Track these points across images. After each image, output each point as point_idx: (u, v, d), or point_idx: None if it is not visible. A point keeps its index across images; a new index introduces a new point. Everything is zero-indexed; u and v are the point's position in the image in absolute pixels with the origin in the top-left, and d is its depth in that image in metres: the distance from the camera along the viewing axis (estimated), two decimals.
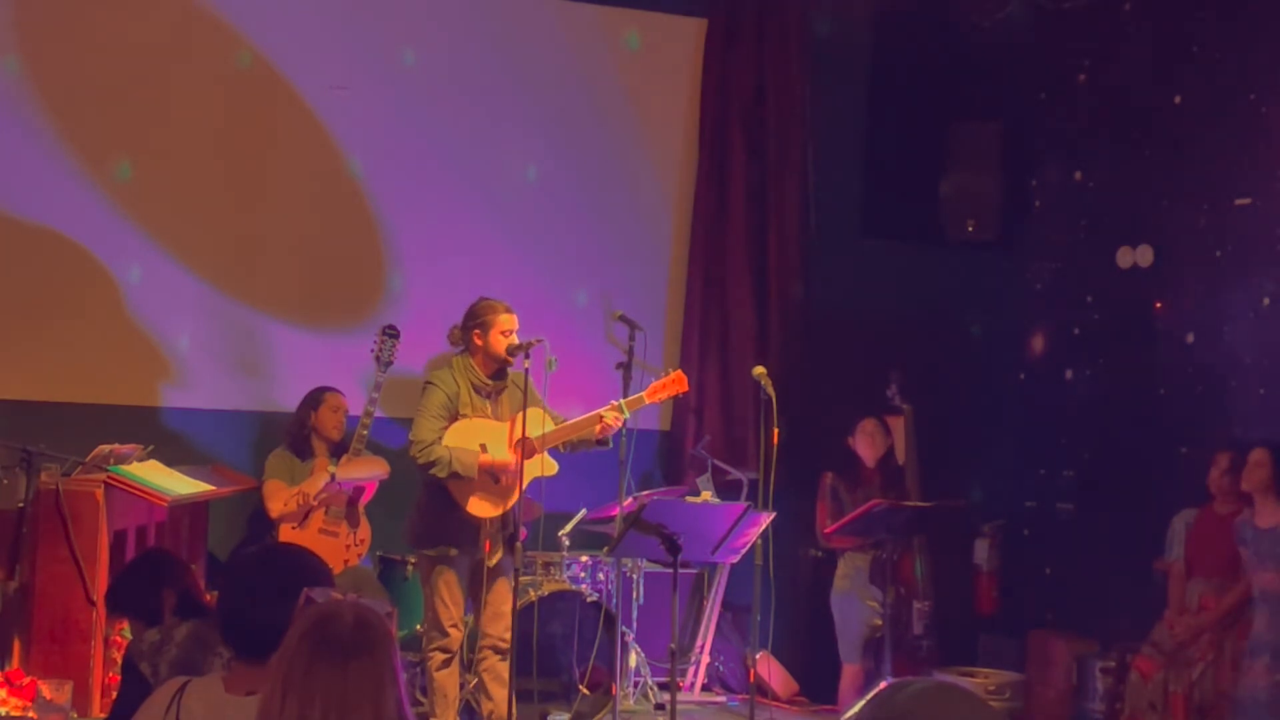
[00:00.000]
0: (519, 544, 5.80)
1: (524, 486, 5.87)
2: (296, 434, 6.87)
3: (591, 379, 7.37)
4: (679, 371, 6.21)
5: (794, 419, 6.99)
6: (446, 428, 5.93)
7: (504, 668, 5.98)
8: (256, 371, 7.46)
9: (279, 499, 6.72)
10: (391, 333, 6.89)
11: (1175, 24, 7.36)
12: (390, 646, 2.52)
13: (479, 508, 5.95)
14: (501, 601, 6.00)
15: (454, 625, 6.00)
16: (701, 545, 5.78)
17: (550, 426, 5.95)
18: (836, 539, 6.92)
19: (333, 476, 6.74)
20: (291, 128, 7.51)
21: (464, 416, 5.97)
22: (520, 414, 5.88)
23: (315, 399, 6.91)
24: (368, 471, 6.84)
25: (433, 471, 5.89)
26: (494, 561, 5.97)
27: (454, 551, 5.97)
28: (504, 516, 5.99)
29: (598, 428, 5.96)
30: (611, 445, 6.12)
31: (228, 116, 7.43)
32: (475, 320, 6.03)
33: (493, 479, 5.92)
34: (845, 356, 8.07)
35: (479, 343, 6.01)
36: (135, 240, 7.23)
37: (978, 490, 8.16)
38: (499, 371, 6.05)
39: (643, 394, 6.09)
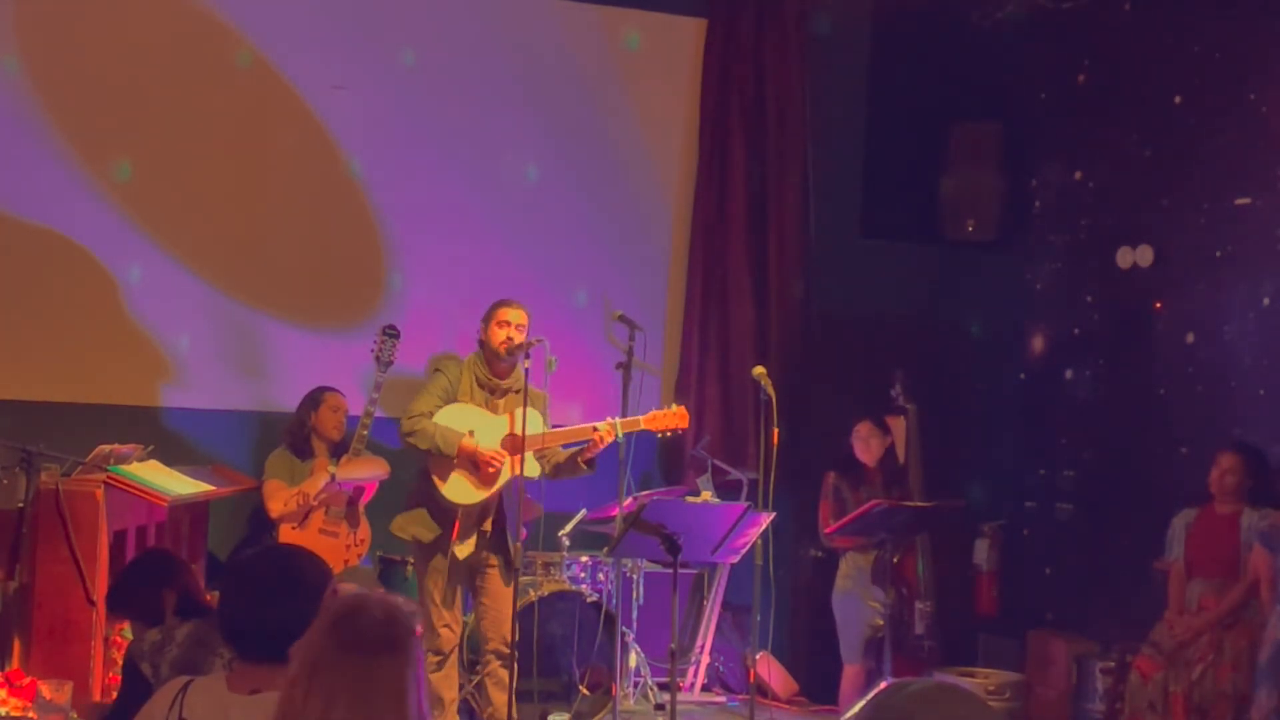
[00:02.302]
0: (518, 544, 5.78)
1: (501, 484, 5.86)
2: (296, 434, 6.87)
3: (591, 379, 7.39)
4: (683, 408, 6.12)
5: (794, 419, 6.99)
6: (440, 408, 5.94)
7: (505, 672, 5.95)
8: (256, 371, 7.47)
9: (279, 499, 6.71)
10: (391, 333, 6.89)
11: (1175, 24, 7.35)
12: (415, 644, 2.48)
13: (455, 490, 5.90)
14: (505, 605, 5.96)
15: (445, 626, 5.96)
16: (701, 545, 5.77)
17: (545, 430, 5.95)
18: (838, 539, 6.90)
19: (333, 476, 6.74)
20: (291, 128, 7.51)
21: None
22: (518, 412, 5.88)
23: (315, 399, 6.91)
24: (368, 471, 6.84)
25: (412, 440, 5.89)
26: (464, 554, 5.91)
27: (426, 536, 5.92)
28: (482, 508, 5.94)
29: (590, 439, 5.92)
30: (597, 470, 6.08)
31: (227, 116, 7.43)
32: (483, 316, 6.06)
33: (473, 466, 5.92)
34: (845, 356, 8.08)
35: (483, 337, 6.04)
36: (135, 240, 7.23)
37: (978, 490, 8.16)
38: (504, 372, 6.04)
39: (641, 418, 6.01)
